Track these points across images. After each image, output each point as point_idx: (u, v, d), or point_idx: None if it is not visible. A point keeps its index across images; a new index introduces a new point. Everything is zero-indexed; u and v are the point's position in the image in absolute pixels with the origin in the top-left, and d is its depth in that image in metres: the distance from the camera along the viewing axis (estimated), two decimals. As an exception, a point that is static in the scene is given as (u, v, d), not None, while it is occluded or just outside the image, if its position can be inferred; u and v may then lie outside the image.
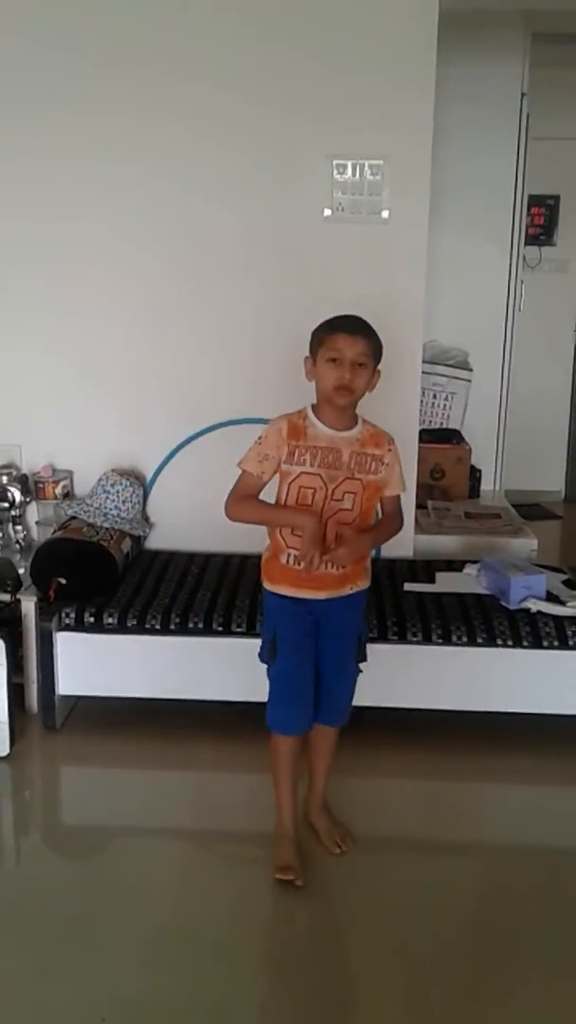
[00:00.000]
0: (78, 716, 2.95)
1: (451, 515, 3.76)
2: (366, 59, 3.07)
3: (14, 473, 3.33)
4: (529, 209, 4.50)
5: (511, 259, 4.29)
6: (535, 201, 4.89)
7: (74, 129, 3.16)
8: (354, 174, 3.15)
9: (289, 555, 2.18)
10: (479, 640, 2.77)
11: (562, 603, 2.86)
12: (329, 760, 2.39)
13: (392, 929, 2.11)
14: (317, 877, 2.24)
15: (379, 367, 2.16)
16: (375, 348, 2.14)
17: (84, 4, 3.10)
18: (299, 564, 2.14)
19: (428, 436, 3.86)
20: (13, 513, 3.29)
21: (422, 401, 3.61)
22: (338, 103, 3.10)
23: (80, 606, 2.82)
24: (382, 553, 3.25)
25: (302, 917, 2.14)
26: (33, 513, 3.36)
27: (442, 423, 4.30)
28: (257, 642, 2.30)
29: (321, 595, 2.20)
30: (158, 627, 2.80)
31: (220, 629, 2.80)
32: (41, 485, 3.32)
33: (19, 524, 3.31)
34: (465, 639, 2.77)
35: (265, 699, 2.26)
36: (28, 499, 3.32)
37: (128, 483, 3.26)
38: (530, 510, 4.71)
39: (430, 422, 4.24)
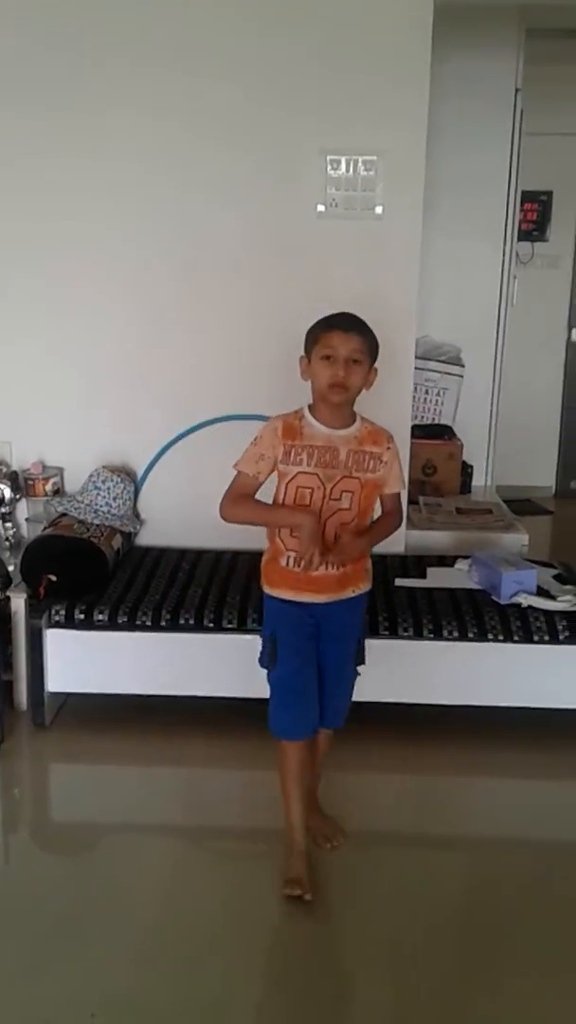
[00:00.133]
0: (68, 713, 2.94)
1: (442, 511, 3.76)
2: (361, 55, 3.07)
3: (4, 470, 3.32)
4: (522, 205, 4.49)
5: (504, 255, 4.28)
6: (528, 197, 4.88)
7: (73, 128, 3.15)
8: (348, 170, 3.15)
9: (289, 558, 2.16)
10: (470, 635, 2.77)
11: (552, 598, 2.87)
12: (321, 759, 2.38)
13: (384, 924, 2.11)
14: (309, 873, 2.22)
15: (375, 364, 2.15)
16: (370, 345, 2.12)
17: (84, 4, 3.08)
18: (299, 565, 2.12)
19: (420, 432, 3.85)
20: (3, 510, 3.28)
21: (414, 397, 3.60)
22: (332, 99, 3.10)
23: (70, 603, 2.82)
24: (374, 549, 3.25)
25: (294, 913, 2.14)
26: (23, 510, 3.35)
27: (434, 419, 4.29)
28: (248, 638, 2.30)
29: (321, 598, 2.18)
30: (149, 623, 2.80)
31: (211, 625, 2.79)
32: (31, 482, 3.31)
33: (9, 521, 3.30)
34: (456, 634, 2.77)
35: (256, 696, 2.26)
36: (18, 496, 3.31)
37: (119, 480, 3.25)
38: (521, 505, 4.72)
39: (422, 418, 4.23)
